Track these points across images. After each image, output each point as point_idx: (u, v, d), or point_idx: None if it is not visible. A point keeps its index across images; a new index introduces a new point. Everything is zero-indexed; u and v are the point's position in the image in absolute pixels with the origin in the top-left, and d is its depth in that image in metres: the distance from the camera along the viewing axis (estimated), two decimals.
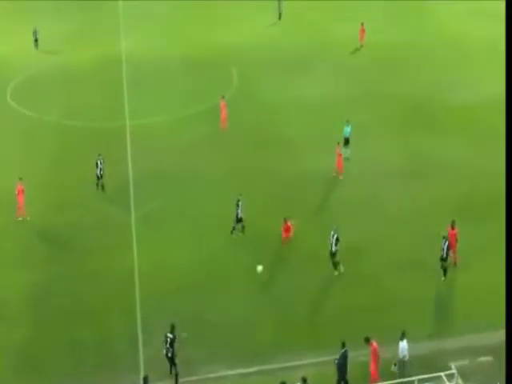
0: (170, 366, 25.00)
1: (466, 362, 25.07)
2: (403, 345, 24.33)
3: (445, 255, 29.24)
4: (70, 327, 27.30)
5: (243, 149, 41.06)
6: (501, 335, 25.03)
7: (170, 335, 24.75)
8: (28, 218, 34.12)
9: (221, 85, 50.29)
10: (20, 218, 34.15)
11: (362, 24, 58.15)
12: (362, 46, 57.79)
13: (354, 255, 30.73)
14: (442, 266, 29.55)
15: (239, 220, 32.57)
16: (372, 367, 24.14)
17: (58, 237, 33.24)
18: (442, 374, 23.79)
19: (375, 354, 24.03)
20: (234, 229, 32.64)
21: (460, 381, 23.88)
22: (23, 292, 29.46)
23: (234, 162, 39.53)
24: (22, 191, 34.15)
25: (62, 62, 55.90)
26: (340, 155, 37.47)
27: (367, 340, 24.12)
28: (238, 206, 32.42)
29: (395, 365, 24.60)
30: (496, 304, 26.81)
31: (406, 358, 24.38)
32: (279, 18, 66.08)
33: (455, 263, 30.20)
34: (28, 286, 29.75)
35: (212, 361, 25.53)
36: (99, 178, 36.87)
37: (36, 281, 30.05)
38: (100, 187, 36.88)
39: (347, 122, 39.88)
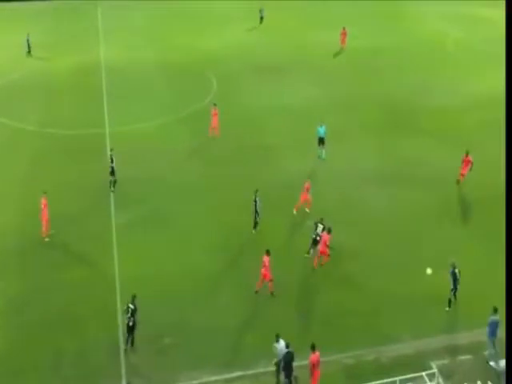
0: (128, 336, 25.81)
1: (446, 361, 25.23)
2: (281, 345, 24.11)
3: (452, 286, 27.46)
4: (51, 336, 27.09)
5: (225, 155, 41.05)
6: (480, 334, 25.39)
7: (131, 305, 25.69)
8: (46, 240, 32.90)
9: (201, 91, 50.43)
10: (45, 237, 32.93)
11: (344, 27, 58.52)
12: (343, 49, 58.14)
13: (337, 257, 30.76)
14: (449, 300, 27.63)
15: (257, 214, 32.96)
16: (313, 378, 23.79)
17: (35, 245, 32.74)
18: (424, 373, 23.98)
19: (314, 365, 23.51)
20: (255, 225, 32.96)
21: (441, 380, 24.03)
22: (1, 302, 29.07)
23: (217, 168, 39.49)
24: (46, 206, 32.56)
25: (41, 70, 55.86)
26: (306, 193, 34.57)
27: (313, 347, 23.62)
28: (255, 202, 32.69)
29: (276, 364, 24.36)
30: (476, 304, 27.13)
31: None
32: (260, 23, 66.34)
33: (322, 264, 30.13)
34: (6, 296, 29.37)
35: (195, 367, 25.46)
36: (112, 173, 36.45)
37: (16, 290, 29.74)
38: (112, 184, 36.58)
39: (321, 122, 39.99)
